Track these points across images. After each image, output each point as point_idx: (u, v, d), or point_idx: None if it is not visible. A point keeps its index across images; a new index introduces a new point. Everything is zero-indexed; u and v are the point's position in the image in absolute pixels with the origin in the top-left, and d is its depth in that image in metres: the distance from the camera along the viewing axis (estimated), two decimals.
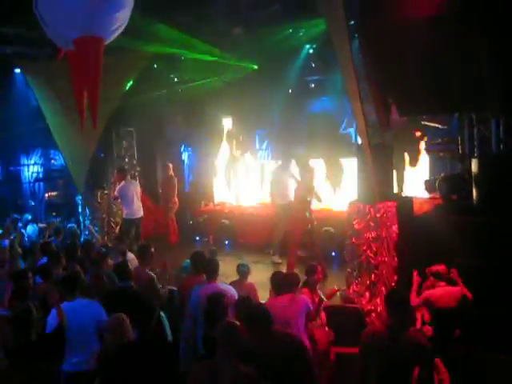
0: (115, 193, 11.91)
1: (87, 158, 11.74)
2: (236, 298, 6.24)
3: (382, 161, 8.02)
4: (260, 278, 8.09)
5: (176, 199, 12.67)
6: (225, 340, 4.41)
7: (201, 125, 15.09)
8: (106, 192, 13.42)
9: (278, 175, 11.38)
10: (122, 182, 11.73)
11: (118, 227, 12.67)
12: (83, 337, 5.72)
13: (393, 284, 7.64)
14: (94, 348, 5.56)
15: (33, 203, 17.94)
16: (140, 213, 11.61)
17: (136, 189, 11.74)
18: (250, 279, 7.47)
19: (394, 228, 7.82)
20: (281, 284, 6.33)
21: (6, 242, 9.92)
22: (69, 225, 12.40)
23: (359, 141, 10.24)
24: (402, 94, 8.91)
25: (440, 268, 6.97)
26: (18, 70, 13.32)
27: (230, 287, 6.64)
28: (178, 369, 5.12)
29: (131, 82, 11.87)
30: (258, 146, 15.67)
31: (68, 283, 6.25)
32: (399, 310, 4.80)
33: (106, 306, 5.95)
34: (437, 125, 11.10)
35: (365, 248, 8.20)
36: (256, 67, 13.28)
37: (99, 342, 5.62)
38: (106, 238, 12.68)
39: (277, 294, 6.31)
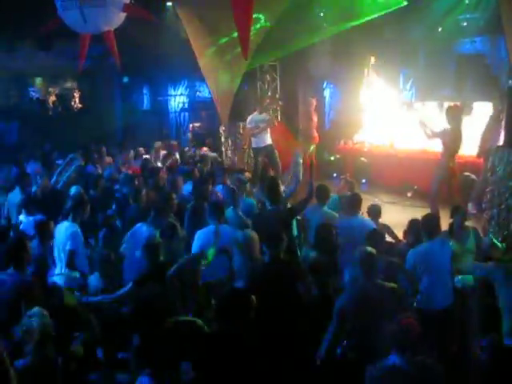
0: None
1: (232, 90, 12.10)
2: None
3: None
4: (395, 218, 8.08)
5: (316, 135, 12.71)
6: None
7: (344, 62, 14.90)
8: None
9: None
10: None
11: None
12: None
13: None
14: None
15: None
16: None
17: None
18: (386, 219, 7.60)
19: None
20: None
21: None
22: (212, 154, 13.04)
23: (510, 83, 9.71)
24: None
25: None
26: (169, 3, 13.73)
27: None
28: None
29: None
30: (401, 85, 15.26)
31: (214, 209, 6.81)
32: None
33: None
34: None
35: (507, 196, 7.95)
36: (405, 3, 12.78)
37: None
38: (246, 167, 13.15)
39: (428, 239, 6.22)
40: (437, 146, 10.06)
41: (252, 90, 14.27)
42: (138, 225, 7.04)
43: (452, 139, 9.24)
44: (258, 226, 6.58)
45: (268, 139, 12.13)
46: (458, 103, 10.11)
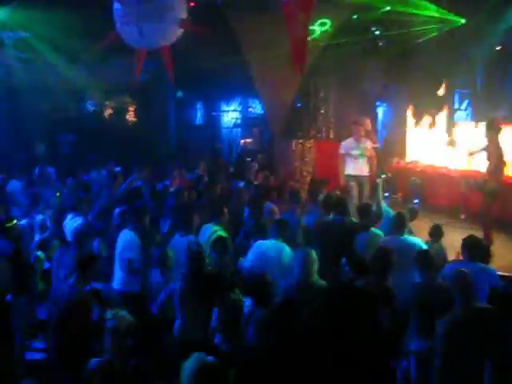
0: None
1: (286, 106, 12.10)
2: None
3: None
4: (448, 241, 7.90)
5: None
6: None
7: (398, 80, 14.79)
8: (300, 141, 13.81)
9: None
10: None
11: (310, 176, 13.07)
12: None
13: None
14: None
15: None
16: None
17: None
18: None
19: None
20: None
21: None
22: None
23: None
24: None
25: None
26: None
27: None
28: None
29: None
30: (457, 105, 15.04)
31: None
32: None
33: None
34: None
35: None
36: (463, 21, 12.58)
37: None
38: (294, 185, 13.09)
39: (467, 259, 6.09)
40: None
41: (305, 107, 14.28)
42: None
43: (492, 149, 9.31)
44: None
45: (363, 170, 11.29)
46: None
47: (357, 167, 11.27)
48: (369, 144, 11.40)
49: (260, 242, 6.75)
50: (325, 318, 4.93)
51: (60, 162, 14.74)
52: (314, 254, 5.83)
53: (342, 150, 11.44)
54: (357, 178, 11.25)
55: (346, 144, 11.45)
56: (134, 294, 6.92)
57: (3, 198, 10.76)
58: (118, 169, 12.90)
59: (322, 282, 5.75)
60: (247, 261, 6.70)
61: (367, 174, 11.24)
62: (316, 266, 5.78)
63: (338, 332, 4.69)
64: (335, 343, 4.52)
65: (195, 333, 5.57)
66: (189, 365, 3.76)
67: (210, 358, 3.85)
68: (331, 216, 7.77)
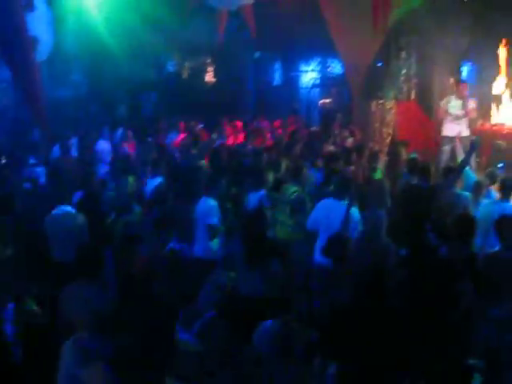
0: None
1: (366, 66, 11.87)
2: None
3: None
4: None
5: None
6: None
7: (485, 38, 14.17)
8: (380, 102, 13.54)
9: None
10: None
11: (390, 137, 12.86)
12: None
13: None
14: None
15: None
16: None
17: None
18: None
19: None
20: None
21: None
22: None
23: None
24: None
25: None
26: None
27: None
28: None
29: None
30: None
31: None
32: None
33: None
34: None
35: None
36: None
37: None
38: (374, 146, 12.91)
39: None
40: None
41: (385, 66, 13.96)
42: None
43: None
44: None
45: (463, 131, 11.21)
46: None
47: (456, 128, 11.08)
48: (472, 104, 11.06)
49: (324, 201, 6.77)
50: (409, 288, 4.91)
51: (141, 123, 15.06)
52: (383, 216, 5.84)
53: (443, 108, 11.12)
54: (452, 141, 11.05)
55: (449, 103, 11.25)
56: (213, 261, 6.84)
57: (91, 157, 11.15)
58: (200, 126, 13.12)
59: (392, 245, 5.76)
60: (310, 219, 6.75)
61: (466, 135, 11.03)
62: (384, 229, 5.79)
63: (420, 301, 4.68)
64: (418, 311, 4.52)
65: (249, 291, 5.45)
66: (262, 331, 3.80)
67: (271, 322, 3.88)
68: (415, 180, 7.70)
